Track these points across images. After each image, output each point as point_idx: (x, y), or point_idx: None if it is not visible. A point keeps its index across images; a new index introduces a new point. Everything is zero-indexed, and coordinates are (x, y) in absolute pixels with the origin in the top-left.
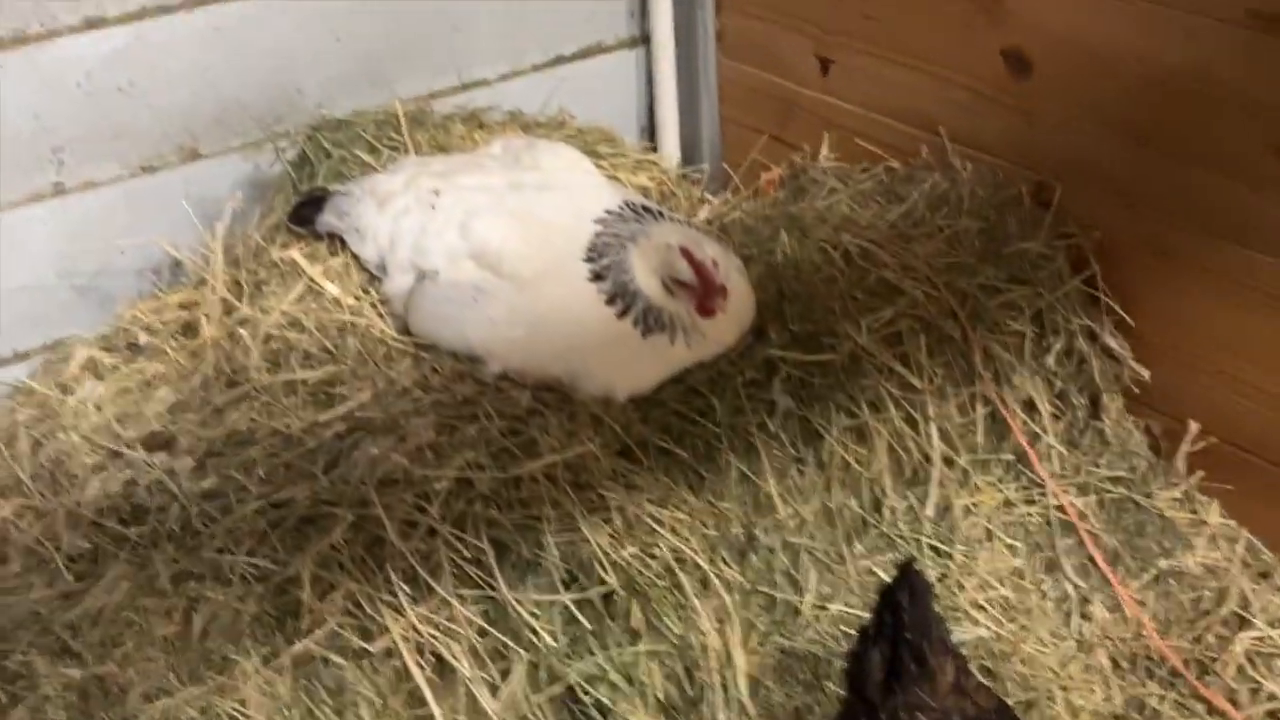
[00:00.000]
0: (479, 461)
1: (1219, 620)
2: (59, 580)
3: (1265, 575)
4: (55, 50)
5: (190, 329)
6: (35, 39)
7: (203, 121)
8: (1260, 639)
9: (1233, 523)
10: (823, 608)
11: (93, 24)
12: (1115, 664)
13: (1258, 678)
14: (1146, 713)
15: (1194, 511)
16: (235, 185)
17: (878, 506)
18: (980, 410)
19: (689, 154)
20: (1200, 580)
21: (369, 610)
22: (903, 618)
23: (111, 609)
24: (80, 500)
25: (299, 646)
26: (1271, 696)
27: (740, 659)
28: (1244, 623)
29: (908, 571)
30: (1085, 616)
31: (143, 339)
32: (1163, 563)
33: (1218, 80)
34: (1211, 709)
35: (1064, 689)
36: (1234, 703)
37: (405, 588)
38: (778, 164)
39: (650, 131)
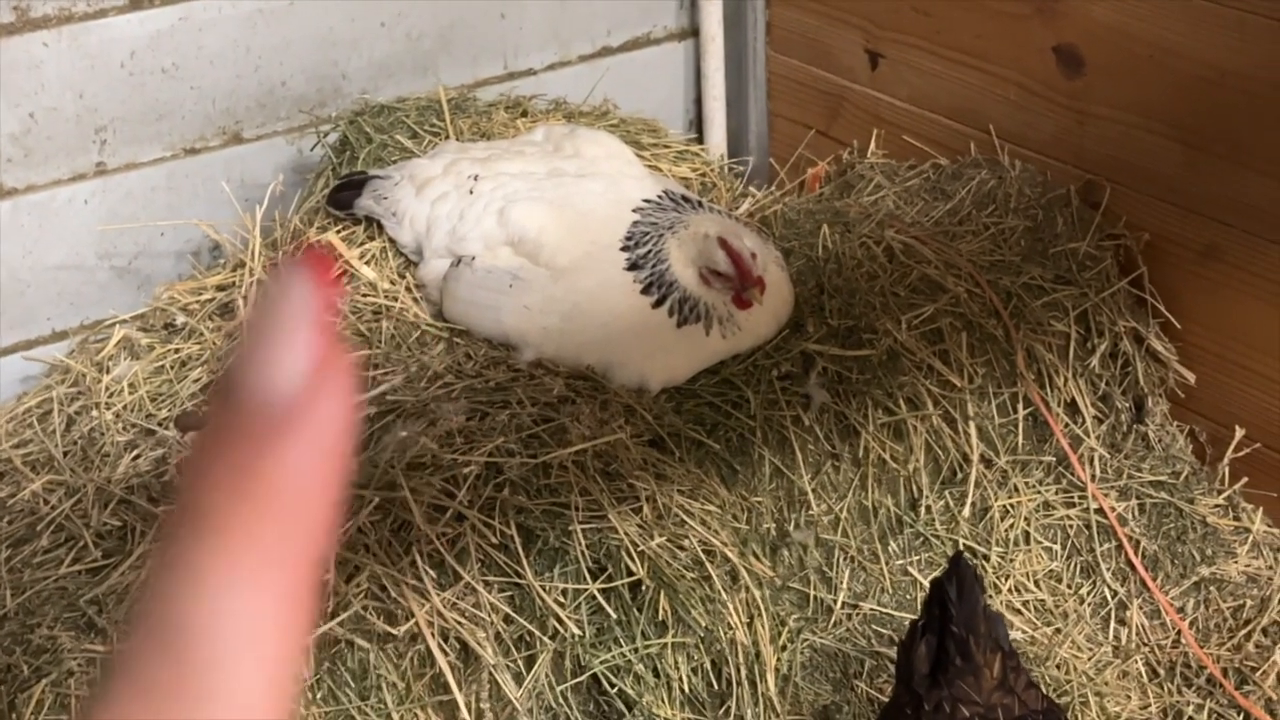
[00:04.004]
0: (509, 447)
1: (1260, 629)
2: (87, 556)
3: None
4: (101, 30)
5: (227, 310)
6: (81, 18)
7: (246, 104)
8: None
9: (1277, 531)
10: (855, 606)
11: (138, 4)
12: (1152, 671)
13: None
14: None
15: (1237, 519)
16: (277, 169)
17: (914, 505)
18: (1021, 411)
19: (735, 148)
20: (1242, 588)
21: (394, 594)
22: (950, 611)
23: (138, 586)
24: (111, 477)
25: (323, 628)
26: None
27: (769, 655)
28: None
29: (957, 564)
30: (1123, 622)
31: (179, 319)
32: (1204, 570)
33: (1269, 82)
34: (1249, 719)
35: (1099, 695)
36: (1273, 714)
37: (431, 572)
38: (825, 160)
39: (697, 125)
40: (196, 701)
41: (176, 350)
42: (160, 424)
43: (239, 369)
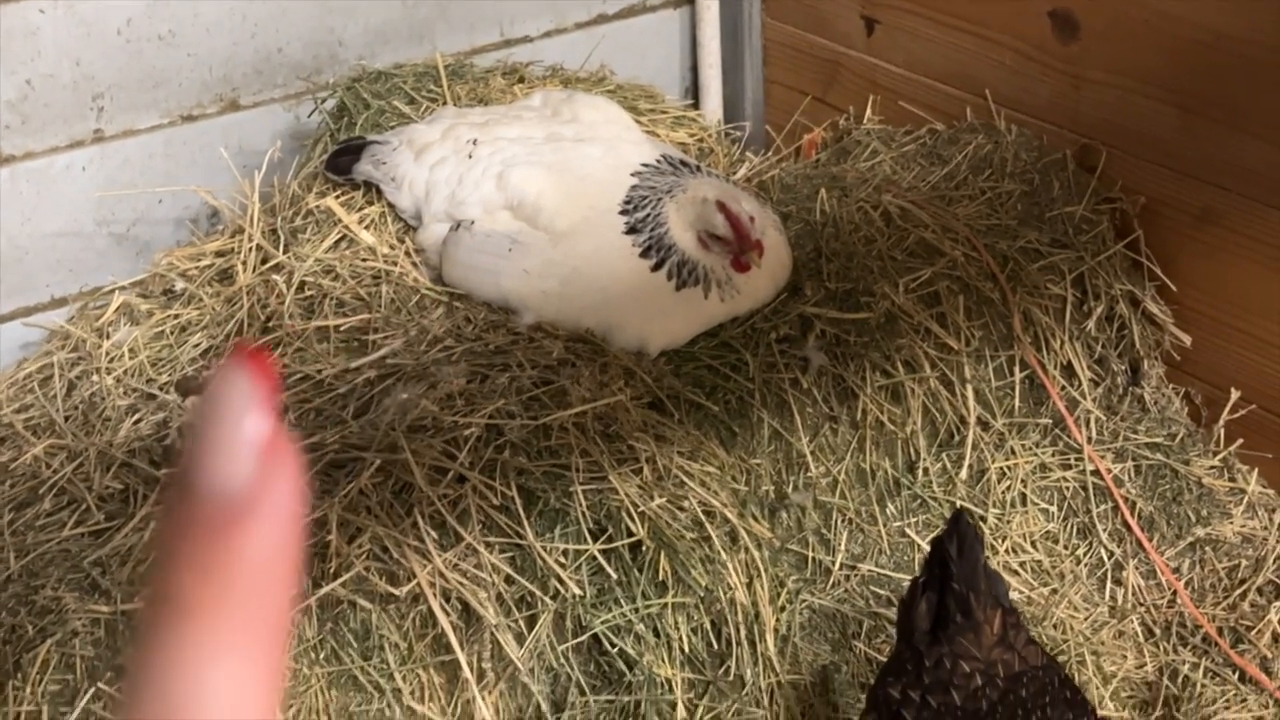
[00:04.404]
0: (509, 409)
1: (1255, 589)
2: (89, 519)
3: None
4: None
5: (226, 276)
6: None
7: (243, 71)
8: None
9: (1271, 491)
10: (853, 567)
11: None
12: (1148, 631)
13: None
14: (1179, 680)
15: (1232, 480)
16: (275, 135)
17: (911, 467)
18: (1018, 373)
19: (731, 115)
20: (1237, 549)
21: (396, 555)
22: (950, 568)
23: (140, 548)
24: (112, 441)
25: (326, 589)
26: None
27: (768, 615)
28: None
29: (958, 522)
30: (1119, 582)
31: (179, 285)
32: (1199, 530)
33: (1265, 45)
34: (1245, 678)
35: (1096, 654)
36: (1268, 672)
37: (432, 533)
38: (821, 126)
39: (694, 92)
40: None
41: (176, 316)
42: (161, 388)
43: (193, 465)
